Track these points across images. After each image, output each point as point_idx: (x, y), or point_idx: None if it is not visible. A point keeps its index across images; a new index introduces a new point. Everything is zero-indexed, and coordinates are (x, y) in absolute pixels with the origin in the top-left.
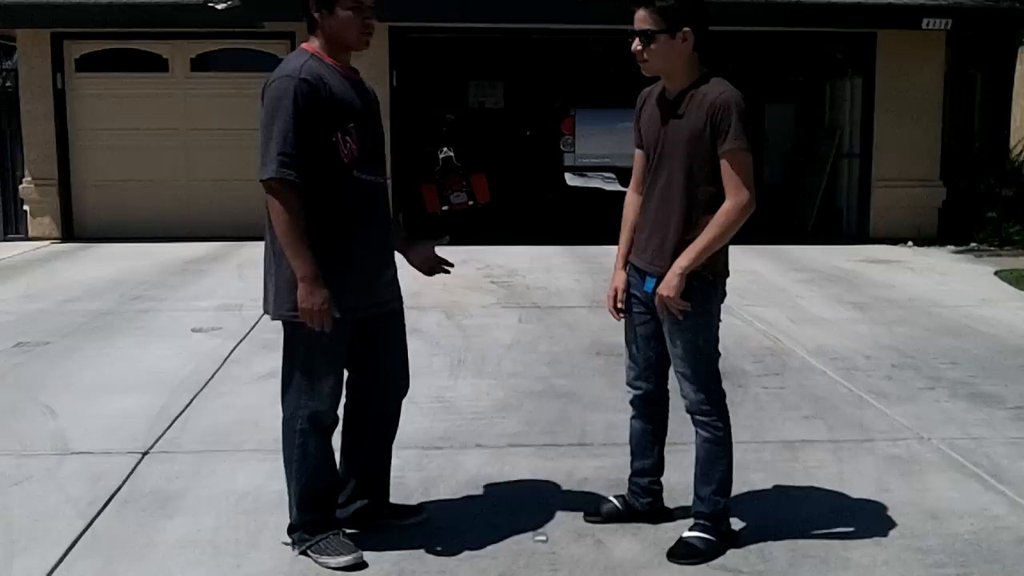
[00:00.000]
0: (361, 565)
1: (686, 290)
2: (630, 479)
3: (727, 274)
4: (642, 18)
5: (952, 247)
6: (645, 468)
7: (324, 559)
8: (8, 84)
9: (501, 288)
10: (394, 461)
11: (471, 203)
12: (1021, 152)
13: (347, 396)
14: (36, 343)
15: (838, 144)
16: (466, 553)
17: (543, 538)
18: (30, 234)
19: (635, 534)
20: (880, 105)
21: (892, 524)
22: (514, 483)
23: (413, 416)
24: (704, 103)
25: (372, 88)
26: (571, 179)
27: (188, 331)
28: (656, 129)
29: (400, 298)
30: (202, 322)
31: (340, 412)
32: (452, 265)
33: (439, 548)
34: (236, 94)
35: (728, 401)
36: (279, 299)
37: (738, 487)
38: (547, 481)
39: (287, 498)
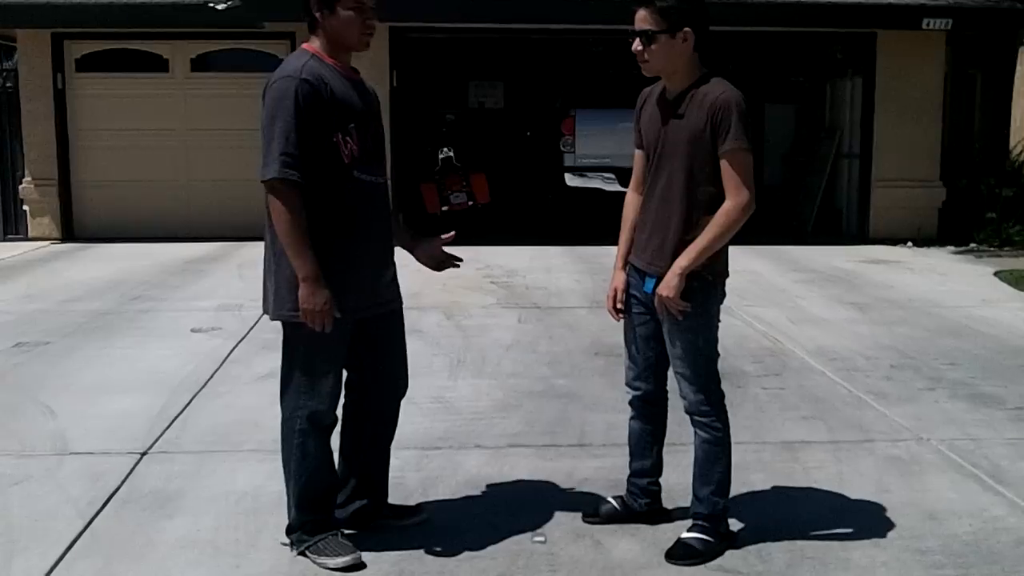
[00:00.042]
0: (360, 566)
1: (686, 290)
2: (629, 480)
3: (727, 274)
4: (643, 18)
5: (952, 247)
6: (644, 469)
7: (323, 559)
8: (8, 84)
9: (501, 288)
10: (393, 461)
11: (471, 203)
12: (1021, 152)
13: (346, 396)
14: (36, 343)
15: (838, 144)
16: (465, 553)
17: (542, 538)
18: (30, 234)
19: (634, 535)
20: (880, 105)
21: (891, 525)
22: (513, 483)
23: (413, 416)
24: (704, 103)
25: (373, 88)
26: (571, 179)
27: (188, 331)
28: (656, 129)
29: (400, 298)
30: (202, 322)
31: (339, 412)
32: (461, 260)
33: (438, 548)
34: (236, 94)
35: (727, 402)
36: (279, 299)
37: (737, 488)
38: (546, 481)
39: (286, 498)
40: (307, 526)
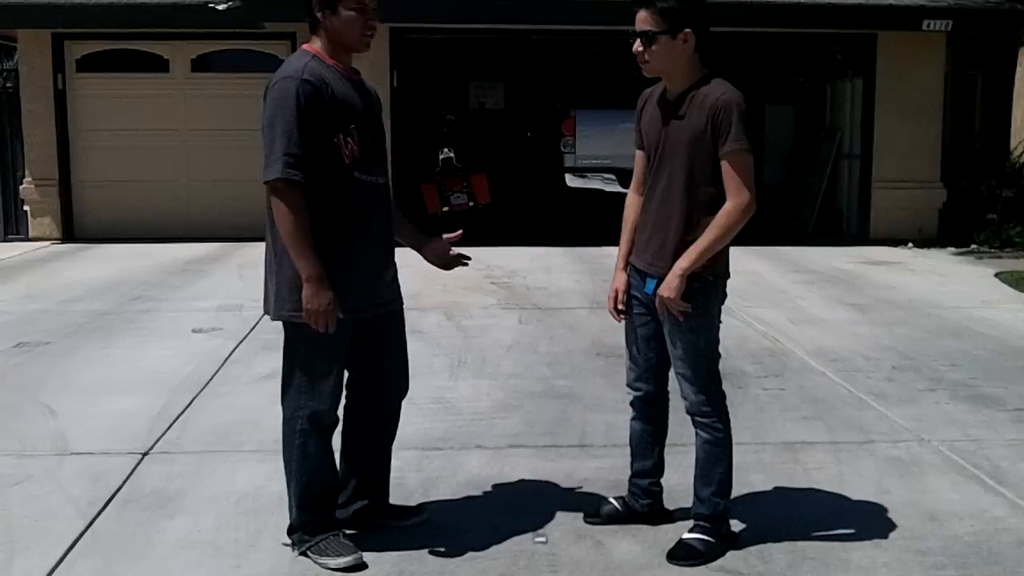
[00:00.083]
0: (361, 566)
1: (686, 291)
2: (630, 480)
3: (728, 275)
4: (643, 19)
5: (952, 248)
6: (645, 469)
7: (324, 560)
8: (9, 84)
9: (501, 289)
10: (394, 462)
11: (471, 204)
12: (1022, 154)
13: (347, 396)
14: (36, 343)
15: (838, 145)
16: (466, 554)
17: (543, 539)
18: (30, 234)
19: (635, 535)
20: (880, 106)
21: (892, 526)
22: (514, 484)
23: (413, 417)
24: (705, 104)
25: (374, 89)
26: (571, 180)
27: (188, 331)
28: (657, 130)
29: (400, 298)
30: (202, 322)
31: (340, 412)
32: (469, 258)
33: (439, 549)
34: (236, 94)
35: (728, 402)
36: (280, 300)
37: (738, 488)
38: (547, 482)
39: (287, 499)
40: (308, 526)
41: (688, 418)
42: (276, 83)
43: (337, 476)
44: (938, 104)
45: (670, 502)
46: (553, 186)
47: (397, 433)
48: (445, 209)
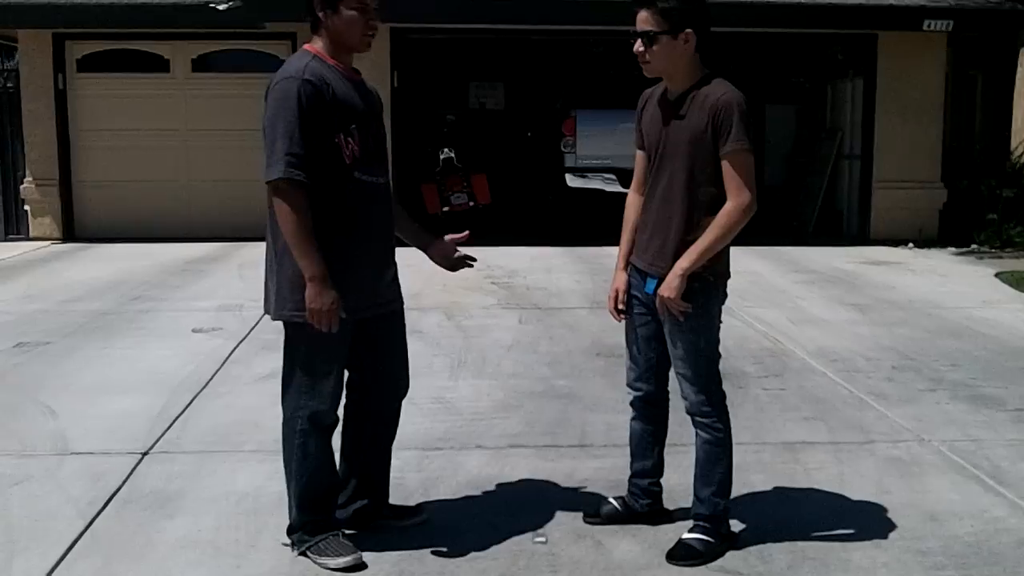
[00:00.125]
0: (361, 566)
1: (687, 291)
2: (630, 480)
3: (728, 275)
4: (644, 19)
5: (953, 249)
6: (645, 469)
7: (324, 560)
8: (9, 84)
9: (501, 289)
10: (394, 462)
11: (472, 204)
12: (1022, 154)
13: (347, 396)
14: (36, 343)
15: (839, 145)
16: (466, 554)
17: (543, 539)
18: (31, 234)
19: (635, 535)
20: (881, 106)
21: (892, 526)
22: (514, 484)
23: (413, 417)
24: (706, 104)
25: (375, 89)
26: (572, 180)
27: (188, 331)
28: (658, 130)
29: (401, 298)
30: (202, 322)
31: (340, 412)
32: (475, 259)
33: (439, 549)
34: (237, 95)
35: (728, 402)
36: (280, 299)
37: (738, 488)
38: (547, 482)
39: (287, 499)
40: (308, 526)
41: (688, 418)
42: (277, 83)
43: (337, 476)
44: (939, 104)
45: (670, 502)
46: (553, 186)
47: (397, 433)
48: (445, 209)
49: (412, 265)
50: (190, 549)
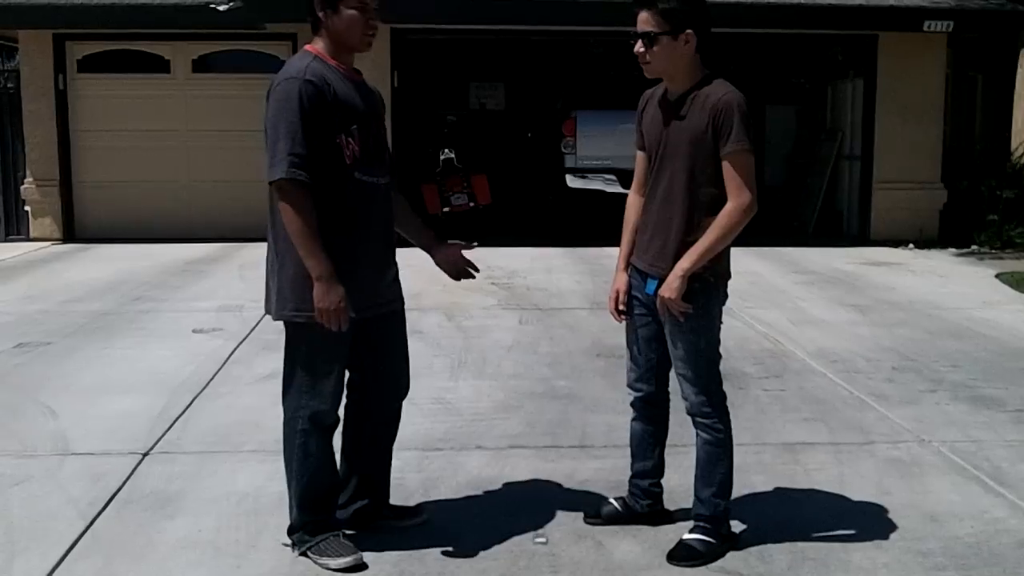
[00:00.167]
0: (361, 566)
1: (687, 292)
2: (630, 481)
3: (729, 276)
4: (645, 20)
5: (953, 249)
6: (645, 470)
7: (324, 560)
8: (10, 85)
9: (502, 289)
10: (394, 462)
11: (472, 204)
12: (1022, 155)
13: (347, 396)
14: (37, 344)
15: (839, 146)
16: (466, 554)
17: (543, 540)
18: (31, 235)
19: (635, 536)
20: (881, 107)
21: (892, 527)
22: (514, 484)
23: (413, 417)
24: (706, 105)
25: (377, 90)
26: (572, 181)
27: (189, 332)
28: (658, 131)
29: (401, 299)
30: (203, 323)
31: (341, 412)
32: (478, 270)
33: (439, 549)
34: (237, 95)
35: (728, 403)
36: (281, 299)
37: (738, 489)
38: (547, 482)
39: (287, 499)
40: (308, 526)
41: (688, 419)
42: (279, 84)
43: (338, 476)
44: (939, 105)
45: (670, 503)
46: (554, 187)
47: (397, 433)
48: (446, 210)
49: (413, 265)
50: (190, 549)
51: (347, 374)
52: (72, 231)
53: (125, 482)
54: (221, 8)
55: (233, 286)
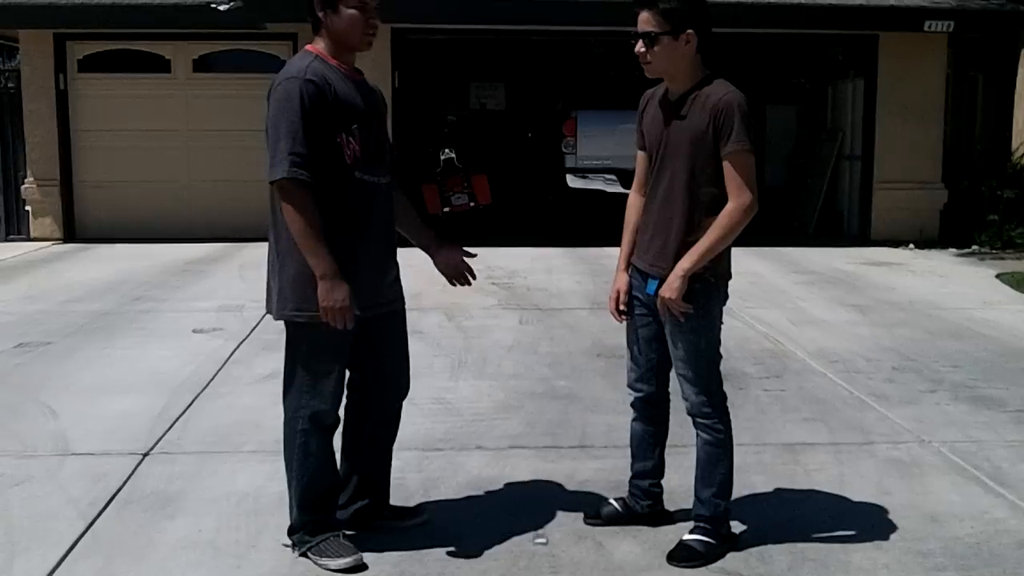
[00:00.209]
0: (361, 567)
1: (688, 292)
2: (630, 481)
3: (729, 276)
4: (646, 20)
5: (954, 250)
6: (646, 470)
7: (324, 561)
8: (10, 84)
9: (502, 289)
10: (394, 462)
11: (472, 204)
12: (1023, 155)
13: (347, 396)
14: (37, 343)
15: (840, 146)
16: (466, 555)
17: (543, 540)
18: (32, 235)
19: (635, 536)
20: (882, 107)
21: (893, 527)
22: (514, 485)
23: (414, 417)
24: (707, 105)
25: (379, 89)
26: (572, 181)
27: (189, 332)
28: (659, 131)
29: (402, 299)
30: (203, 323)
31: (341, 412)
32: (475, 277)
33: (439, 550)
34: (238, 95)
35: (729, 403)
36: (282, 299)
37: (738, 490)
38: (547, 483)
39: (288, 499)
40: (309, 526)
41: (689, 419)
42: (280, 83)
43: (338, 476)
44: (939, 105)
45: (671, 503)
46: (554, 187)
47: (398, 433)
48: (446, 210)
49: (413, 265)
50: (191, 550)
51: (347, 374)
52: (72, 231)
53: (125, 482)
54: (222, 8)
55: (233, 286)
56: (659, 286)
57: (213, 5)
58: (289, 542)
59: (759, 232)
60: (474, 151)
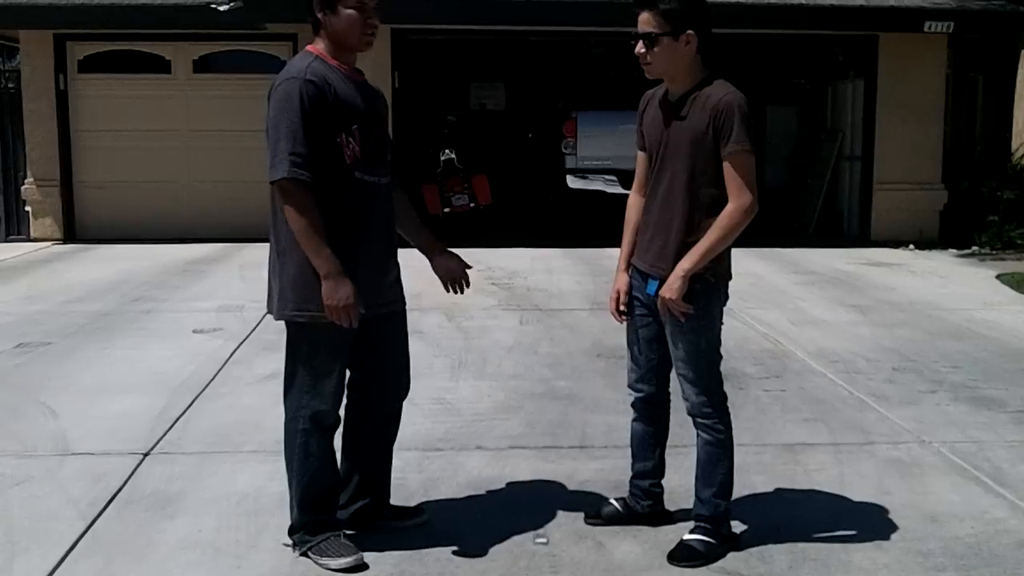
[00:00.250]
0: (362, 567)
1: (688, 292)
2: (631, 481)
3: (730, 276)
4: (646, 20)
5: (954, 250)
6: (646, 470)
7: (325, 560)
8: (11, 85)
9: (502, 290)
10: (395, 462)
11: (472, 205)
12: (1023, 156)
13: (348, 396)
14: (37, 344)
15: (839, 146)
16: (466, 555)
17: (544, 540)
18: (32, 235)
19: (636, 536)
20: (882, 107)
21: (893, 527)
22: (515, 485)
23: (414, 417)
24: (707, 105)
25: (379, 90)
26: (573, 181)
27: (189, 332)
28: (659, 131)
29: (403, 299)
30: (203, 323)
31: (342, 412)
32: (468, 285)
33: (439, 549)
34: (238, 95)
35: (729, 403)
36: (283, 299)
37: (739, 490)
38: (548, 483)
39: (288, 499)
40: (309, 526)
41: (689, 419)
42: (280, 84)
43: (339, 476)
44: (939, 106)
45: (671, 503)
46: (554, 187)
47: (398, 433)
48: (446, 210)
49: (413, 266)
50: (191, 550)
51: (348, 374)
52: (73, 231)
53: (126, 482)
54: (222, 8)
55: (233, 286)
56: (659, 286)
57: (213, 5)
58: (290, 542)
59: (759, 232)
60: (474, 151)
